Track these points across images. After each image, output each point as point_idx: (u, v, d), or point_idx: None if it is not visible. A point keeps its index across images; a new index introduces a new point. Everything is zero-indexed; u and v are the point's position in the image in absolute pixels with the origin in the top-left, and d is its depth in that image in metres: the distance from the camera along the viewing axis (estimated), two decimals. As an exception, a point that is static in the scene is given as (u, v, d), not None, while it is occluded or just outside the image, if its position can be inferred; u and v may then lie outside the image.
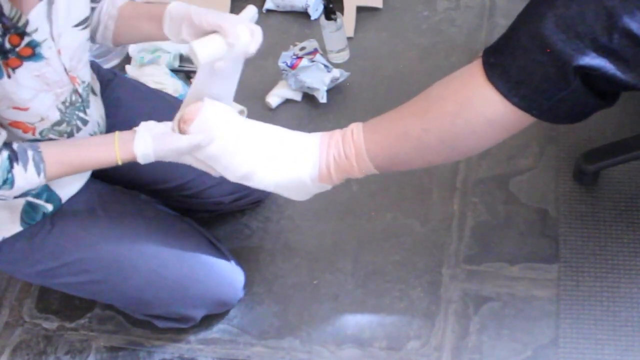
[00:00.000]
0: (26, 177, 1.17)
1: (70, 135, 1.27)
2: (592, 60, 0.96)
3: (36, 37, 1.12)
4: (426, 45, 2.00)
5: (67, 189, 1.37)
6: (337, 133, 1.22)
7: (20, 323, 1.71)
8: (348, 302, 1.60)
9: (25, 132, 1.19)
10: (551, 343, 1.47)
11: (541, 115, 1.05)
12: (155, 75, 1.97)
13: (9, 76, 1.10)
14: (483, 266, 1.60)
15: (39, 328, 1.69)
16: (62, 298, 1.71)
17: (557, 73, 0.99)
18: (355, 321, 1.58)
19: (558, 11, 0.97)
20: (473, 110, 1.08)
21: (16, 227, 1.32)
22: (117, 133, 1.22)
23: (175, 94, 1.91)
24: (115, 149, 1.20)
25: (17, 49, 1.10)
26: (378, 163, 1.19)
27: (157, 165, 1.48)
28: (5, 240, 1.33)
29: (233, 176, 1.23)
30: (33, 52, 1.13)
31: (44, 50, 1.14)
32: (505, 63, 1.04)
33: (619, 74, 0.97)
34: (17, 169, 1.16)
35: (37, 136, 1.22)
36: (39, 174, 1.18)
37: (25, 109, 1.16)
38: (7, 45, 1.09)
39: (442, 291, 1.58)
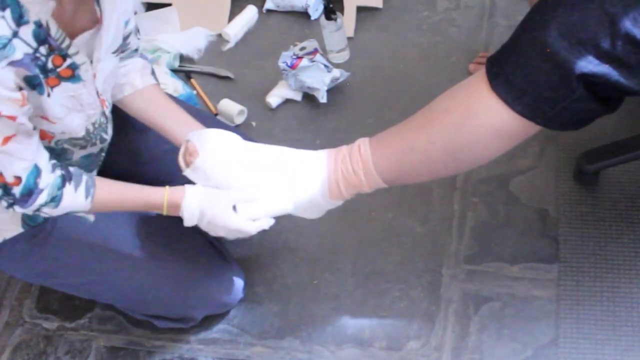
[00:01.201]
0: (74, 198, 1.19)
1: (83, 147, 1.29)
2: (596, 67, 0.96)
3: (76, 59, 1.14)
4: (426, 45, 2.00)
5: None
6: (345, 149, 1.22)
7: (20, 323, 1.71)
8: (348, 302, 1.60)
9: (42, 138, 1.20)
10: (551, 343, 1.47)
11: (546, 123, 1.04)
12: (155, 75, 1.97)
13: (48, 95, 1.12)
14: (483, 266, 1.60)
15: (39, 328, 1.69)
16: (62, 298, 1.70)
17: (560, 81, 0.98)
18: (355, 321, 1.58)
19: (560, 19, 0.97)
20: (478, 120, 1.07)
21: (17, 229, 1.32)
22: (167, 186, 1.27)
23: (175, 94, 1.91)
24: (165, 191, 1.25)
25: (59, 70, 1.12)
26: (386, 177, 1.19)
27: (158, 166, 1.48)
28: (6, 242, 1.33)
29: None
30: (73, 74, 1.15)
31: (82, 72, 1.16)
32: (508, 72, 1.03)
33: (622, 80, 0.96)
34: (68, 188, 1.18)
35: (52, 144, 1.23)
36: (86, 197, 1.20)
37: (53, 123, 1.18)
38: (50, 65, 1.10)
39: (442, 291, 1.58)
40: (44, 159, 1.15)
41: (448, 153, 1.12)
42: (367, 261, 1.65)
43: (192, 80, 2.04)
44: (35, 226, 1.33)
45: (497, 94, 1.04)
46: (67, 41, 1.11)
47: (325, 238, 1.70)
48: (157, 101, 1.40)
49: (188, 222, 1.26)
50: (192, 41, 2.10)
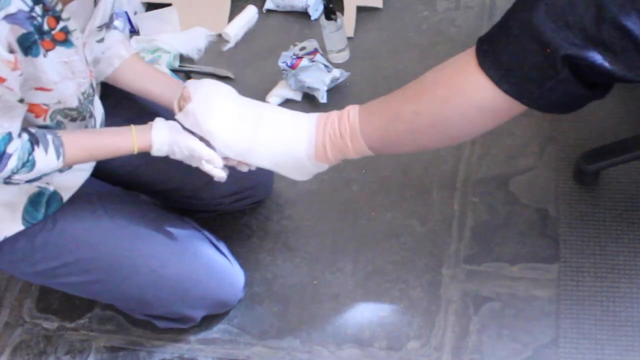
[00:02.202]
0: (46, 160, 1.18)
1: (73, 120, 1.28)
2: (580, 50, 0.97)
3: (69, 25, 1.15)
4: (426, 45, 2.00)
5: (68, 189, 1.37)
6: (334, 114, 1.24)
7: (20, 323, 1.71)
8: (348, 302, 1.60)
9: (37, 116, 1.20)
10: (551, 343, 1.48)
11: (531, 104, 1.06)
12: (155, 75, 1.97)
13: (44, 55, 1.12)
14: (483, 266, 1.60)
15: (39, 328, 1.69)
16: (62, 298, 1.71)
17: (545, 62, 1.00)
18: (355, 321, 1.58)
19: (549, 0, 0.98)
20: (464, 95, 1.09)
21: (17, 226, 1.32)
22: (132, 126, 1.26)
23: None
24: (133, 136, 1.25)
25: (53, 33, 1.12)
26: (371, 144, 1.20)
27: (157, 166, 1.48)
28: (7, 240, 1.33)
29: (232, 152, 1.25)
30: (66, 38, 1.15)
31: (73, 38, 1.17)
32: (497, 50, 1.05)
33: (606, 64, 0.97)
34: (38, 151, 1.17)
35: (48, 120, 1.23)
36: (58, 157, 1.20)
37: (49, 90, 1.18)
38: (45, 27, 1.10)
39: (442, 291, 1.58)
40: (17, 128, 1.15)
41: (433, 125, 1.14)
42: (367, 261, 1.65)
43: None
44: (36, 224, 1.33)
45: (485, 71, 1.06)
46: (60, 5, 1.12)
47: (325, 238, 1.70)
48: (142, 69, 1.42)
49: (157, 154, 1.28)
50: (192, 41, 2.10)
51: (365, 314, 1.58)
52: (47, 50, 1.13)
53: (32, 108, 1.19)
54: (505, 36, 1.04)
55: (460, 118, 1.11)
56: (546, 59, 0.99)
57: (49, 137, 1.20)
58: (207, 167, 1.27)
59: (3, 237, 1.32)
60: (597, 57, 0.97)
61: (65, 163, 1.22)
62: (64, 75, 1.19)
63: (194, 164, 1.29)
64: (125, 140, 1.25)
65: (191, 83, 1.28)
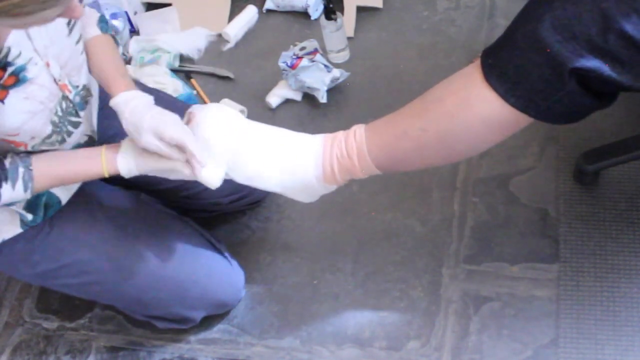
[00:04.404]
0: (12, 194, 1.18)
1: (61, 142, 1.26)
2: (588, 61, 0.97)
3: (19, 61, 1.10)
4: (426, 45, 2.00)
5: (67, 191, 1.37)
6: (341, 134, 1.23)
7: (20, 323, 1.71)
8: (348, 302, 1.60)
9: (17, 146, 1.19)
10: (551, 343, 1.48)
11: (538, 116, 1.06)
12: (155, 75, 1.97)
13: None
14: (483, 266, 1.60)
15: (39, 328, 1.69)
16: (62, 298, 1.71)
17: (553, 74, 1.00)
18: (355, 321, 1.58)
19: (555, 12, 0.98)
20: (471, 110, 1.09)
21: (16, 229, 1.32)
22: (103, 147, 1.23)
23: (175, 94, 1.91)
24: (102, 163, 1.22)
25: (1, 81, 1.08)
26: (379, 163, 1.20)
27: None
28: (5, 242, 1.33)
29: (239, 177, 1.24)
30: (17, 79, 1.10)
31: (28, 71, 1.11)
32: (502, 64, 1.05)
33: (614, 75, 0.97)
34: (5, 187, 1.16)
35: (29, 149, 1.21)
36: (25, 190, 1.19)
37: (16, 134, 1.15)
38: None
39: (442, 291, 1.58)
40: None
41: (440, 141, 1.14)
42: (367, 261, 1.65)
43: (192, 80, 2.04)
44: (34, 227, 1.33)
45: (491, 85, 1.05)
46: (4, 50, 1.06)
47: (325, 238, 1.70)
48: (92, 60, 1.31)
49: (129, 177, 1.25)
50: (192, 41, 2.10)
51: (365, 314, 1.58)
52: (3, 99, 1.08)
53: (9, 142, 1.17)
54: (511, 49, 1.04)
55: (467, 133, 1.11)
56: (553, 71, 0.99)
57: (21, 170, 1.18)
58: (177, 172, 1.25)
59: (2, 240, 1.32)
60: (605, 68, 0.97)
61: (34, 193, 1.21)
62: (31, 110, 1.14)
63: (170, 177, 1.26)
64: (95, 167, 1.23)
65: (197, 108, 1.26)
